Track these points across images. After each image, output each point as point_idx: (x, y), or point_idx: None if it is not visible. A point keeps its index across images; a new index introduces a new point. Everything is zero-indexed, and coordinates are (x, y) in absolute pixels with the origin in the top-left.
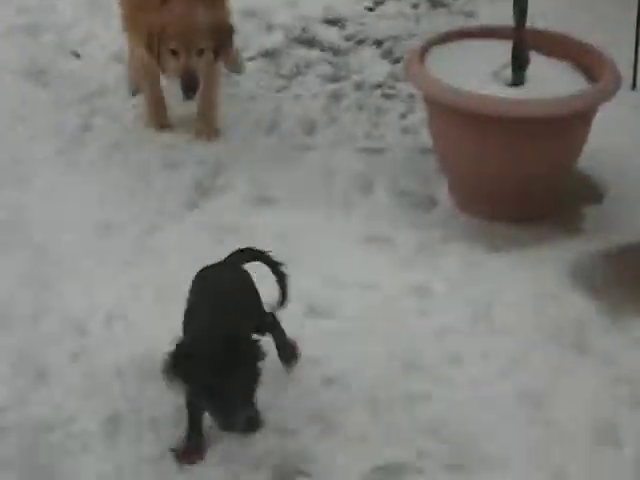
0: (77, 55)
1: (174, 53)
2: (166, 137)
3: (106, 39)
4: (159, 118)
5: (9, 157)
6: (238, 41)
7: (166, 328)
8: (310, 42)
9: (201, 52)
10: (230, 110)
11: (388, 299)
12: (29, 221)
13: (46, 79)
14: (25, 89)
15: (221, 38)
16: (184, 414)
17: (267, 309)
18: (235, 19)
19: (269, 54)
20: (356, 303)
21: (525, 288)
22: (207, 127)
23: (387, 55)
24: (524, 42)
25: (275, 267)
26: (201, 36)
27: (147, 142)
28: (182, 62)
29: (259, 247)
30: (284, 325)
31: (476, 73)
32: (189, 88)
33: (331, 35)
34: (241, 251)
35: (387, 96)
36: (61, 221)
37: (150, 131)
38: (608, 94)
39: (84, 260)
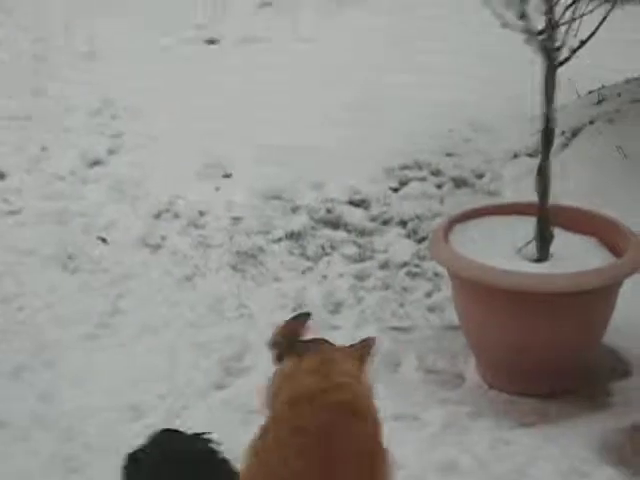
0: (104, 240)
1: None
2: (192, 316)
3: (131, 224)
4: None
5: (37, 343)
6: (263, 222)
7: None
8: (335, 223)
9: None
10: (256, 290)
11: (415, 477)
12: (57, 407)
13: (74, 264)
14: (53, 274)
15: None
16: None
17: None
18: (259, 201)
19: (294, 235)
20: None
21: (553, 464)
22: None
23: (412, 234)
24: (548, 218)
25: None
26: None
27: (174, 322)
28: None
29: None
30: None
31: (500, 249)
32: None
33: (356, 216)
34: None
35: (412, 275)
36: (89, 406)
37: (175, 312)
38: (633, 269)
39: (113, 443)
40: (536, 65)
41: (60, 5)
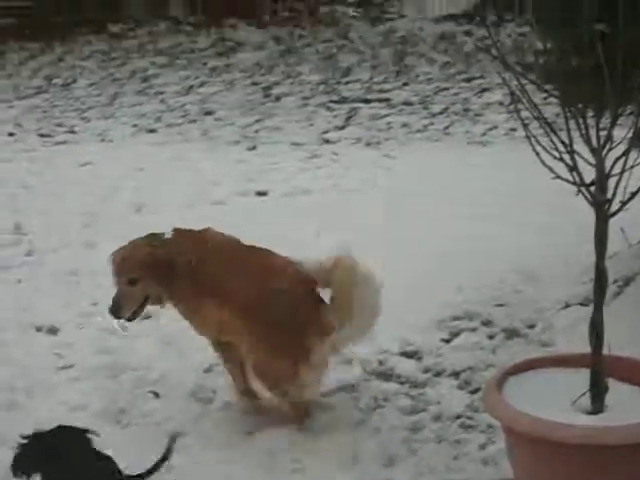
0: (156, 394)
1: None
2: (245, 474)
3: (183, 377)
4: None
5: None
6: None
7: None
8: (388, 375)
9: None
10: (309, 443)
11: None
12: None
13: (126, 419)
14: (105, 430)
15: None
16: None
17: None
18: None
19: (347, 388)
20: None
21: None
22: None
23: (465, 386)
24: (602, 369)
25: None
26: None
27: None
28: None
29: None
30: None
31: (555, 402)
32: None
33: (408, 367)
34: None
35: (466, 427)
36: None
37: (229, 467)
38: None
39: None
40: (585, 213)
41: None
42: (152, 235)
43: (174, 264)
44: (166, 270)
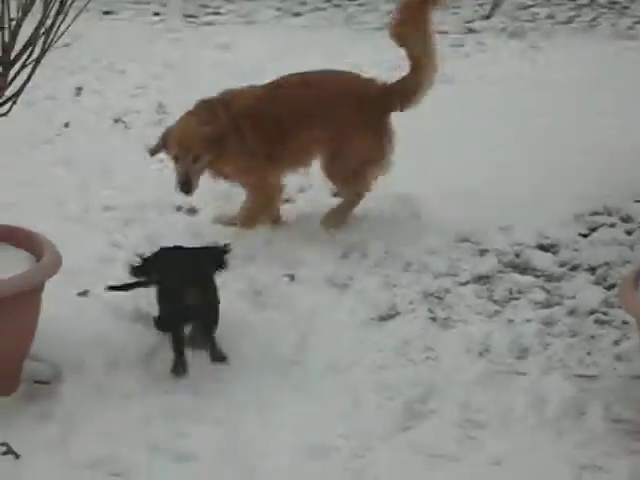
0: (292, 278)
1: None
2: (378, 357)
3: (319, 262)
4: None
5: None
6: (450, 264)
7: None
8: (523, 267)
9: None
10: (441, 334)
11: None
12: (241, 441)
13: (263, 300)
14: (244, 308)
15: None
16: None
17: None
18: (447, 243)
19: (482, 279)
20: None
21: None
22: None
23: (601, 281)
24: None
25: None
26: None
27: (359, 365)
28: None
29: (470, 474)
30: None
31: None
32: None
33: (544, 261)
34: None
35: (601, 322)
36: (273, 442)
37: (361, 352)
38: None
39: None
40: None
41: None
42: (202, 105)
43: (226, 134)
44: (222, 141)
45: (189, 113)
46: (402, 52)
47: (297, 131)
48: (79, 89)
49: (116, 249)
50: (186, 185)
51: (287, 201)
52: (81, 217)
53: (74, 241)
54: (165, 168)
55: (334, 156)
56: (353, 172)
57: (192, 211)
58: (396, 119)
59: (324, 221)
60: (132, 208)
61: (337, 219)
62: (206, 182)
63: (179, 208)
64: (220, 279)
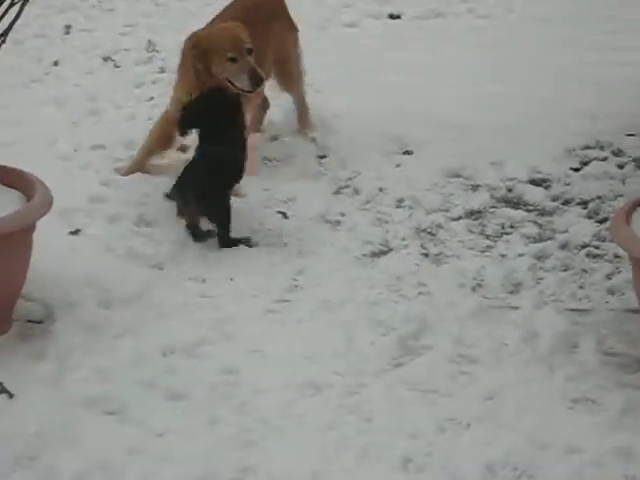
0: (285, 215)
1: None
2: (370, 293)
3: (311, 199)
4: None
5: (217, 315)
6: (442, 200)
7: None
8: (515, 202)
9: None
10: (435, 269)
11: (593, 462)
12: (235, 380)
13: (255, 239)
14: (235, 249)
15: None
16: None
17: None
18: (440, 179)
19: (474, 214)
20: (559, 465)
21: None
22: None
23: (593, 215)
24: None
25: None
26: None
27: (352, 302)
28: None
29: (463, 409)
30: None
31: None
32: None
33: (536, 195)
34: None
35: (593, 256)
36: (266, 379)
37: (353, 289)
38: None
39: (288, 419)
40: None
41: None
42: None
43: None
44: None
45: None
46: None
47: (265, 50)
48: (68, 27)
49: (106, 188)
50: (258, 76)
51: (275, 139)
52: (71, 156)
53: (65, 180)
54: (155, 106)
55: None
56: (299, 70)
57: (183, 149)
58: (386, 54)
59: (300, 128)
60: (122, 146)
61: (306, 118)
62: None
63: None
64: None
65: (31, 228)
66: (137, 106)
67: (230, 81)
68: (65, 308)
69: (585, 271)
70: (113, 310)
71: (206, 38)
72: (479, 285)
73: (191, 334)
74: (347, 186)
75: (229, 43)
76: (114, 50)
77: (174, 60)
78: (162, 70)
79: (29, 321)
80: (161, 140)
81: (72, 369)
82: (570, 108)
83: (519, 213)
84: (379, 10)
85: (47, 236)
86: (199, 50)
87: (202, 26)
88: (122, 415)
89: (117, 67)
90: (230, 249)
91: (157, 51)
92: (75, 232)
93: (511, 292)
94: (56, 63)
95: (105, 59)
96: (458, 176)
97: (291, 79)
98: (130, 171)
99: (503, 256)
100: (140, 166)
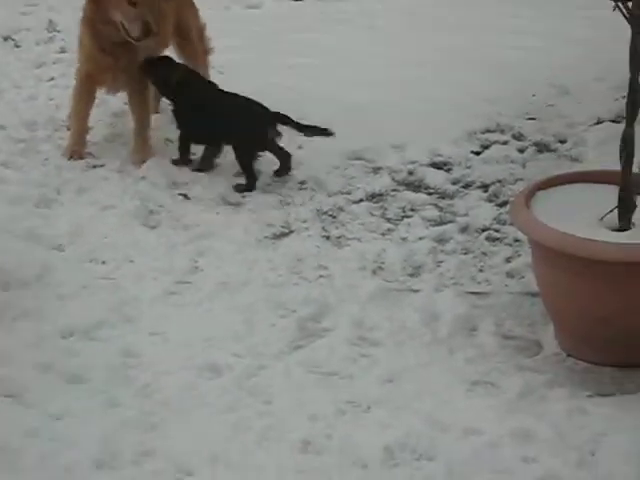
0: (186, 196)
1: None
2: (271, 275)
3: (213, 181)
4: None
5: (117, 297)
6: (344, 183)
7: (268, 469)
8: (416, 185)
9: None
10: (336, 252)
11: (491, 444)
12: (135, 363)
13: (156, 220)
14: (135, 230)
15: None
16: None
17: None
18: (341, 161)
19: (375, 197)
20: (458, 447)
21: (630, 435)
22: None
23: (493, 199)
24: (631, 186)
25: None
26: None
27: (252, 284)
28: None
29: (363, 392)
30: None
31: (583, 218)
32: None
33: (437, 178)
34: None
35: (493, 240)
36: (166, 362)
37: (254, 271)
38: None
39: (188, 401)
40: (627, 31)
41: None
42: None
43: None
44: None
45: None
46: None
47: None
48: None
49: (6, 169)
50: (150, 28)
51: None
52: None
53: None
54: (56, 87)
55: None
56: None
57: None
58: (288, 35)
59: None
60: (23, 127)
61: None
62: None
63: (69, 127)
64: (111, 199)
65: None
66: (37, 86)
67: (123, 25)
68: None
69: (485, 254)
70: (12, 292)
71: None
72: (380, 268)
73: (91, 316)
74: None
75: None
76: (14, 30)
77: (74, 40)
78: (63, 50)
79: None
80: (86, 98)
81: None
82: (469, 91)
83: (420, 196)
84: None
85: None
86: None
87: None
88: (20, 398)
89: (17, 47)
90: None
91: (58, 31)
92: None
93: (411, 275)
94: None
95: (5, 39)
96: (360, 159)
97: (193, 48)
98: (74, 143)
99: (404, 239)
100: (81, 133)
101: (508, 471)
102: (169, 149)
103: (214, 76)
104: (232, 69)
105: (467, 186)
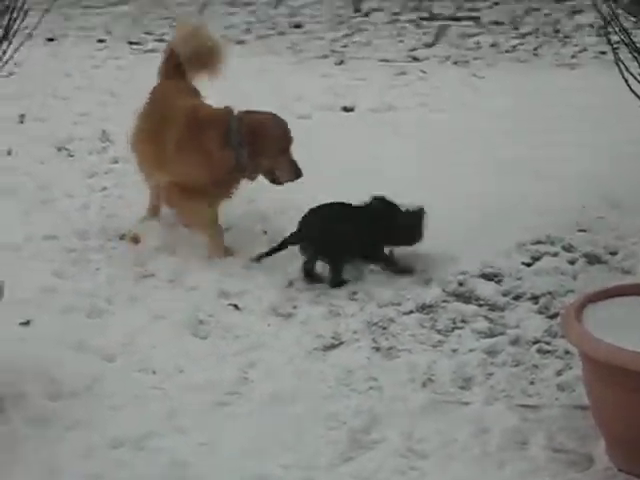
0: (236, 307)
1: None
2: (321, 387)
3: (263, 291)
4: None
5: (167, 408)
6: (394, 294)
7: None
8: (467, 297)
9: None
10: (385, 364)
11: None
12: (184, 472)
13: (206, 331)
14: (185, 340)
15: None
16: None
17: None
18: (392, 273)
19: (426, 308)
20: None
21: None
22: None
23: (544, 311)
24: None
25: None
26: None
27: (302, 395)
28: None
29: None
30: None
31: (634, 331)
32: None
33: (488, 290)
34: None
35: (543, 352)
36: (216, 473)
37: (304, 383)
38: None
39: None
40: None
41: None
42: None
43: None
44: None
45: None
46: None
47: None
48: (22, 116)
49: (58, 279)
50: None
51: (228, 229)
52: (23, 246)
53: (16, 271)
54: (108, 196)
55: None
56: None
57: (135, 240)
58: (342, 146)
59: None
60: (74, 236)
61: None
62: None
63: (122, 237)
64: (161, 309)
65: None
66: (90, 195)
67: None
68: (14, 399)
69: (536, 367)
70: (63, 401)
71: (261, 124)
72: (430, 380)
73: (141, 426)
74: (299, 278)
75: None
76: (68, 139)
77: (127, 150)
78: (115, 160)
79: None
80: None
81: (20, 462)
82: (519, 203)
83: (470, 307)
84: (333, 102)
85: None
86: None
87: None
88: None
89: (71, 156)
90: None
91: (111, 141)
92: (26, 323)
93: (462, 387)
94: (9, 152)
95: (59, 149)
96: (409, 272)
97: None
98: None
99: (454, 351)
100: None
101: None
102: (219, 262)
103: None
104: None
105: (518, 298)
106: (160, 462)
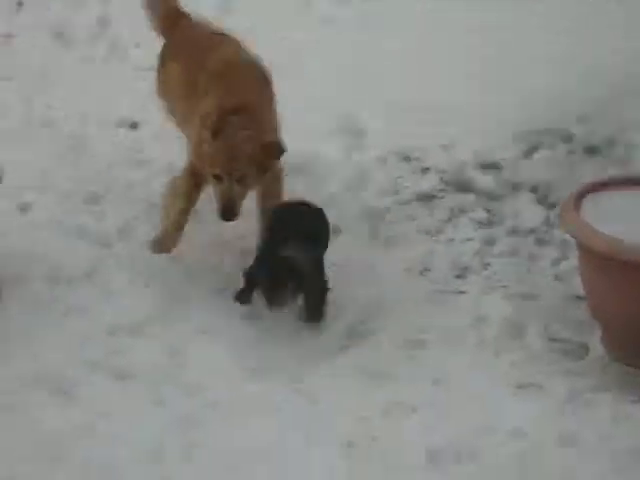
0: None
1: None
2: None
3: None
4: (171, 243)
5: (168, 292)
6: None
7: (317, 470)
8: (465, 187)
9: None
10: (382, 253)
11: (536, 447)
12: (183, 361)
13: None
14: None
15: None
16: None
17: None
18: (389, 161)
19: (423, 198)
20: (503, 450)
21: None
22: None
23: (542, 201)
24: None
25: None
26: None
27: None
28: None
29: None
30: None
31: (632, 222)
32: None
33: (486, 180)
34: None
35: (541, 242)
36: (214, 364)
37: None
38: None
39: (236, 403)
40: None
41: None
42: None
43: None
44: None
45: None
46: None
47: None
48: (20, 4)
49: (57, 164)
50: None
51: None
52: (23, 132)
53: (16, 157)
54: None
55: None
56: None
57: (134, 126)
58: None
59: None
60: (74, 122)
61: None
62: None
63: (120, 123)
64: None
65: None
66: (88, 81)
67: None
68: (13, 282)
69: (532, 257)
70: (61, 287)
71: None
72: (426, 269)
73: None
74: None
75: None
76: (67, 25)
77: (125, 36)
78: (113, 47)
79: None
80: (194, 194)
81: (20, 345)
82: (521, 92)
83: (468, 197)
84: None
85: None
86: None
87: None
88: (70, 394)
89: (69, 41)
90: None
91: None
92: (25, 208)
93: (458, 277)
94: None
95: (57, 34)
96: (407, 159)
97: None
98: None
99: (451, 240)
100: (178, 229)
101: (552, 475)
102: None
103: None
104: (283, 68)
105: (516, 188)
106: (156, 348)
